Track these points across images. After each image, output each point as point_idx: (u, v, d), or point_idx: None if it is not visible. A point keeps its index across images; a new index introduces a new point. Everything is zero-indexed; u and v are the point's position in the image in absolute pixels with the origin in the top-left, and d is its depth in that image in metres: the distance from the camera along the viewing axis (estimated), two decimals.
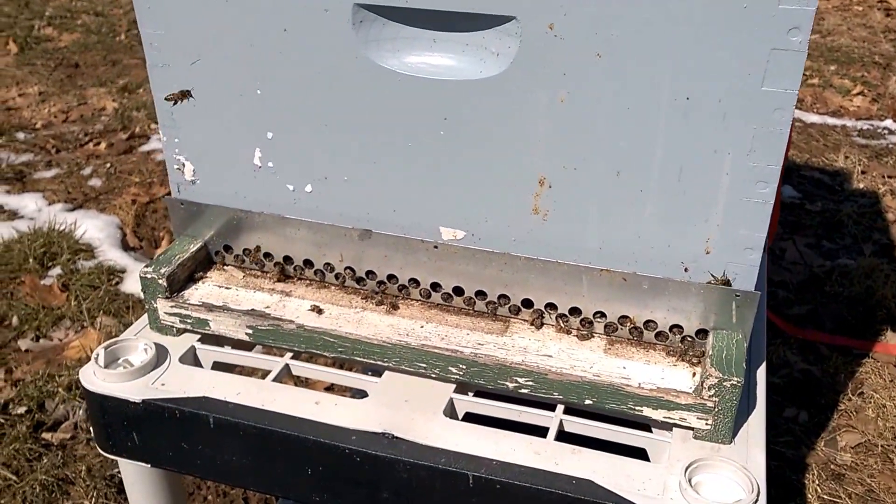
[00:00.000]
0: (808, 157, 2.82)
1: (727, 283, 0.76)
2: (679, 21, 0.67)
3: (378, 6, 0.74)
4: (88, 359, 1.82)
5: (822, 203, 2.49)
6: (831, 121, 3.17)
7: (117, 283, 2.06)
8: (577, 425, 0.76)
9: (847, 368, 1.76)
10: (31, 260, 2.12)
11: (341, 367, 0.88)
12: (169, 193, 0.90)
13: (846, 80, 3.56)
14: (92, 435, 1.54)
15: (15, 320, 1.90)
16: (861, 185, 2.62)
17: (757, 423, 0.77)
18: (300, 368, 0.83)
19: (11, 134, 2.96)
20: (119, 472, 1.49)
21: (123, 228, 2.34)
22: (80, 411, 1.63)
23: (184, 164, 0.87)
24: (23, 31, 4.20)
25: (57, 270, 2.10)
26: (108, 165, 2.73)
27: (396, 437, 0.74)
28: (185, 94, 0.80)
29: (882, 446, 1.56)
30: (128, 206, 2.44)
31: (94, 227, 2.31)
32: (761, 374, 0.84)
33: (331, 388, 1.47)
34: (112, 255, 2.20)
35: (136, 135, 2.97)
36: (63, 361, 1.77)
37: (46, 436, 1.58)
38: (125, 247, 2.27)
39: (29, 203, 2.47)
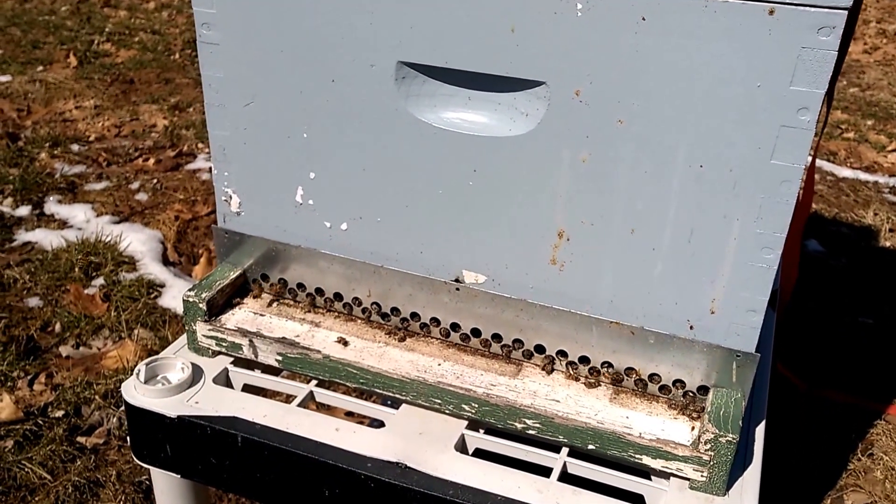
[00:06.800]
0: (836, 212, 2.81)
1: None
2: (697, 96, 0.72)
3: (420, 65, 0.80)
4: (125, 369, 1.89)
5: (847, 259, 2.49)
6: (864, 176, 3.13)
7: (155, 297, 2.14)
8: (579, 468, 0.81)
9: (858, 428, 1.76)
10: (76, 269, 2.21)
11: (362, 395, 0.93)
12: (211, 212, 0.97)
13: (882, 136, 3.50)
14: (126, 442, 1.62)
15: (58, 327, 1.99)
16: (888, 243, 2.60)
17: (752, 477, 0.80)
18: (324, 395, 0.89)
19: (66, 145, 3.10)
20: (146, 479, 1.55)
21: (165, 243, 2.44)
22: (114, 419, 1.70)
23: (231, 197, 0.94)
24: (83, 45, 4.38)
25: (100, 281, 2.19)
26: (155, 181, 2.84)
27: (409, 468, 0.79)
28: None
29: None
30: (170, 222, 2.53)
31: (137, 241, 2.40)
32: (760, 430, 0.87)
33: (350, 414, 1.51)
34: (153, 268, 2.29)
35: (184, 153, 3.08)
36: (100, 370, 1.85)
37: (81, 439, 1.65)
38: (165, 261, 2.35)
39: (79, 213, 2.58)
